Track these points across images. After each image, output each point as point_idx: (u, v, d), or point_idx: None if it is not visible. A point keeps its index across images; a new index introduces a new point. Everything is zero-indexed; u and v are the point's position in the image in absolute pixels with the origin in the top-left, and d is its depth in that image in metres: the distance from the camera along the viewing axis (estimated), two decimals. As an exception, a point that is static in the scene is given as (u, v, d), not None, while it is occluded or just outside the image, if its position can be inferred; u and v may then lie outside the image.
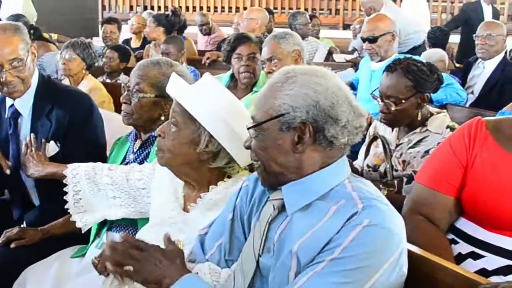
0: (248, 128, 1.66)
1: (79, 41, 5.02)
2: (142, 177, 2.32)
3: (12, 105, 2.83)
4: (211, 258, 1.81)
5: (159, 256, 1.65)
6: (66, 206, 2.46)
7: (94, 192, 2.42)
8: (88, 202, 2.44)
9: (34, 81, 2.83)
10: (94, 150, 2.76)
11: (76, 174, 2.45)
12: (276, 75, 1.67)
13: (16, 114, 2.85)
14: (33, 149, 2.64)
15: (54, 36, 6.63)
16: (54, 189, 2.53)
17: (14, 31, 2.72)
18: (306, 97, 1.59)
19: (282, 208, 1.66)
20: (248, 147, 1.69)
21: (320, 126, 1.59)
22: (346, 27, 12.18)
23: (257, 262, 1.65)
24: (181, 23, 7.60)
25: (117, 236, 2.47)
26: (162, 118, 2.51)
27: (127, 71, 6.02)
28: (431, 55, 5.51)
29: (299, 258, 1.55)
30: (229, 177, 2.07)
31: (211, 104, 1.96)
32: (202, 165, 2.03)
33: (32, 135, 2.68)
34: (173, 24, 7.25)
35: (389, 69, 2.92)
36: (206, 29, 8.28)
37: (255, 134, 1.65)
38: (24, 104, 2.82)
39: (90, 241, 2.54)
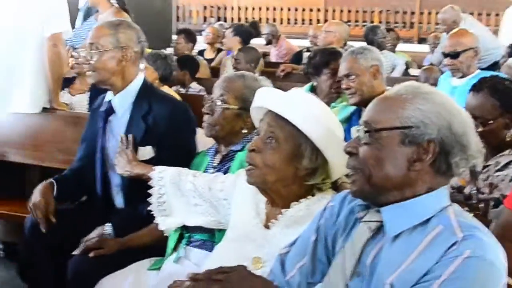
0: (365, 132, 1.56)
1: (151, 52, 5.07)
2: (223, 188, 2.31)
3: (110, 100, 2.95)
4: (291, 280, 1.75)
5: (248, 274, 1.63)
6: (149, 208, 2.51)
7: (177, 197, 2.44)
8: (170, 206, 2.47)
9: (136, 83, 2.95)
10: (187, 159, 2.75)
11: (162, 177, 2.48)
12: (402, 87, 1.60)
13: (110, 110, 2.94)
14: (128, 147, 2.73)
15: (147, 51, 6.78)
16: (139, 190, 2.57)
17: (112, 25, 2.93)
18: (440, 117, 1.52)
19: (376, 231, 1.58)
20: (350, 153, 1.60)
21: (447, 150, 1.52)
22: (421, 40, 12.03)
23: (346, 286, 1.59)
24: (258, 35, 7.65)
25: (194, 250, 2.47)
26: (244, 131, 2.52)
27: (201, 81, 6.08)
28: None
29: None
30: (313, 195, 2.02)
31: (316, 115, 1.95)
32: (295, 181, 2.00)
33: (131, 135, 2.79)
34: (250, 35, 7.27)
35: (474, 89, 2.81)
36: (270, 38, 8.28)
37: (370, 140, 1.55)
38: (122, 102, 2.93)
39: (167, 254, 2.54)
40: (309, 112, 1.96)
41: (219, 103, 2.50)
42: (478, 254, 1.41)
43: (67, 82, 5.23)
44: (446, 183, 1.58)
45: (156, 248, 2.60)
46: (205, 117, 2.54)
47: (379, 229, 1.58)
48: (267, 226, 2.05)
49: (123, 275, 2.51)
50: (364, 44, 6.90)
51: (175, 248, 2.53)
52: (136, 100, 2.92)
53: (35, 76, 4.00)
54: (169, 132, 2.83)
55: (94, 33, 2.92)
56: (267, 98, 2.03)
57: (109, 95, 2.97)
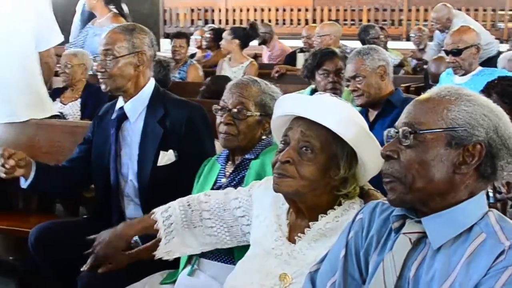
0: (410, 134, 1.49)
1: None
2: (240, 205, 2.19)
3: (122, 107, 2.88)
4: None
5: None
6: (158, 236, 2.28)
7: (190, 229, 2.24)
8: (180, 241, 2.26)
9: (148, 88, 2.88)
10: (207, 157, 2.68)
11: (169, 216, 2.24)
12: (443, 89, 1.55)
13: (122, 117, 2.88)
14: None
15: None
16: (155, 200, 2.45)
17: (126, 30, 2.85)
18: (486, 119, 1.48)
19: (416, 242, 1.52)
20: (388, 156, 1.53)
21: (494, 152, 1.47)
22: (409, 38, 11.99)
23: None
24: (257, 37, 7.56)
25: (210, 262, 2.37)
26: (264, 137, 2.44)
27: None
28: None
29: None
30: (339, 204, 1.95)
31: (348, 116, 1.88)
32: (325, 191, 1.92)
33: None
34: (249, 38, 7.20)
35: (483, 94, 2.76)
36: (266, 38, 8.16)
37: (415, 143, 1.49)
38: (134, 108, 2.87)
39: (181, 267, 2.44)
40: (342, 115, 1.88)
41: (240, 111, 2.40)
42: None
43: (58, 92, 5.18)
44: (486, 188, 1.53)
45: (169, 260, 2.52)
46: (224, 128, 2.41)
47: (419, 240, 1.52)
48: (291, 239, 1.96)
49: (135, 289, 2.42)
50: (355, 42, 6.90)
51: (189, 260, 2.43)
52: (150, 105, 2.86)
53: (22, 88, 3.90)
54: (189, 136, 2.79)
55: (109, 39, 2.82)
56: (297, 105, 1.92)
57: (120, 102, 2.90)
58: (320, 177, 1.88)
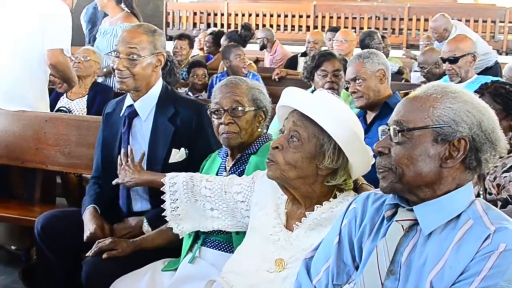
0: (398, 132, 1.61)
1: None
2: (241, 190, 2.32)
3: (131, 105, 2.95)
4: (318, 284, 1.78)
5: None
6: (163, 214, 2.51)
7: (191, 202, 2.45)
8: (184, 211, 2.47)
9: (157, 87, 2.96)
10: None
11: (174, 183, 2.48)
12: (430, 87, 1.66)
13: (133, 115, 2.95)
14: (129, 160, 2.76)
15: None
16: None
17: (148, 31, 2.92)
18: (470, 115, 1.58)
19: (408, 229, 1.63)
20: (380, 153, 1.65)
21: (477, 147, 1.58)
22: (409, 46, 12.12)
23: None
24: (252, 37, 7.67)
25: (210, 251, 2.48)
26: (259, 130, 2.56)
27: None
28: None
29: (434, 287, 1.52)
30: (335, 196, 2.05)
31: (342, 118, 1.99)
32: (316, 181, 2.03)
33: (130, 147, 2.80)
34: (244, 39, 7.30)
35: (476, 94, 2.87)
36: (265, 42, 8.26)
37: (403, 140, 1.61)
38: (145, 106, 2.94)
39: (182, 255, 2.55)
40: (336, 114, 2.00)
41: (239, 109, 2.51)
42: None
43: (65, 87, 5.24)
44: (472, 179, 1.64)
45: (170, 249, 2.62)
46: (226, 128, 2.51)
47: (410, 227, 1.63)
48: (288, 227, 2.08)
49: (137, 276, 2.52)
50: (357, 49, 6.98)
51: (190, 249, 2.54)
52: (159, 104, 2.93)
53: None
54: (198, 134, 2.88)
55: (133, 39, 2.85)
56: (294, 98, 2.06)
57: (128, 100, 2.96)
58: (305, 165, 2.00)
